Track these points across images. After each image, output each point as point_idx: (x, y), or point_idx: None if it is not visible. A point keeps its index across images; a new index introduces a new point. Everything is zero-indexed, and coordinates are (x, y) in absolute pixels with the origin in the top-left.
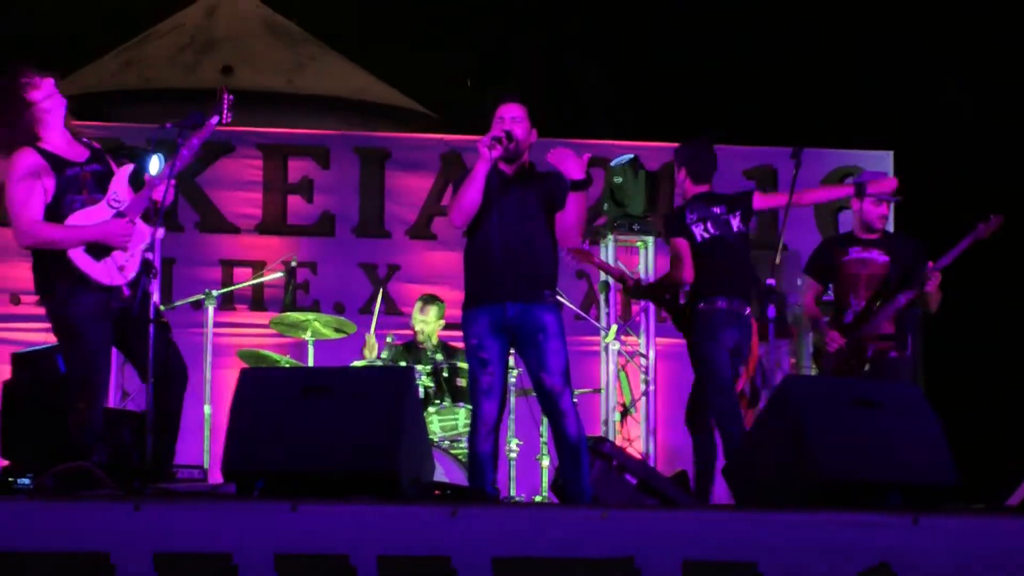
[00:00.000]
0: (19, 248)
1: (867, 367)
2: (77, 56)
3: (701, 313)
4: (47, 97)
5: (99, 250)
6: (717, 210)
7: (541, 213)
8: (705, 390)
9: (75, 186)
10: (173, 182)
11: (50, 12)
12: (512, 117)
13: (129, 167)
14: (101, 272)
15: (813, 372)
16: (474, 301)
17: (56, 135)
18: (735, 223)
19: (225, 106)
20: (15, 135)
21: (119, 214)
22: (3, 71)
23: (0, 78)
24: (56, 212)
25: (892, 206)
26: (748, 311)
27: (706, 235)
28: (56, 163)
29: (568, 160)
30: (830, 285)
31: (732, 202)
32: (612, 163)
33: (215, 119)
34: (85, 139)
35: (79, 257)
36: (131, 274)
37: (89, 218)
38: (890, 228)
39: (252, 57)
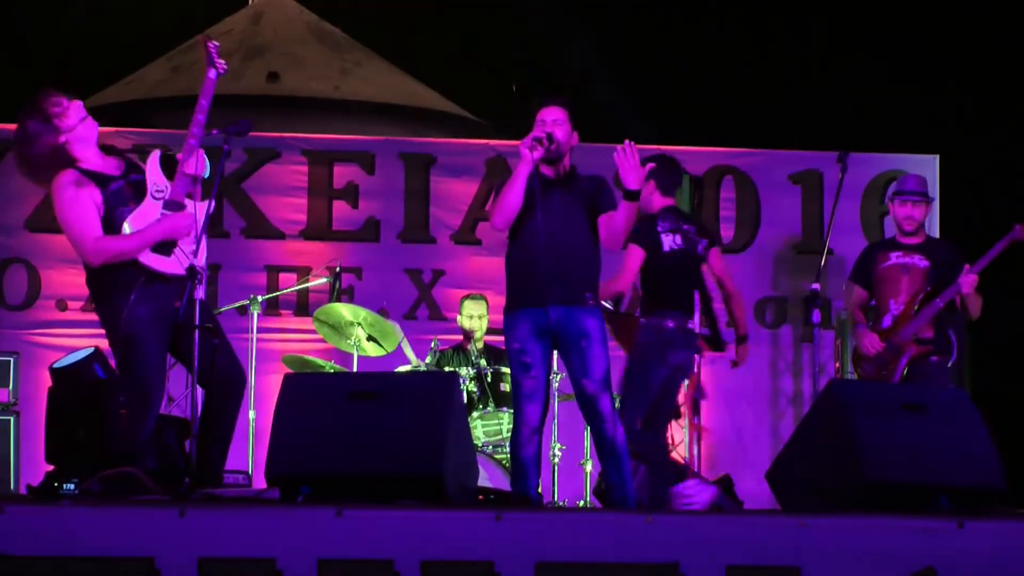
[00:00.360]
0: (76, 258)
1: (906, 371)
2: (125, 63)
3: (650, 328)
4: (81, 120)
5: (164, 246)
6: (687, 227)
7: (584, 216)
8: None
9: (121, 198)
10: (202, 152)
11: (98, 20)
12: (553, 119)
13: (156, 153)
14: (174, 265)
15: (855, 377)
16: (516, 304)
17: (92, 154)
18: (700, 247)
19: (214, 56)
20: (54, 161)
21: (167, 203)
22: (31, 99)
23: (29, 106)
24: (110, 225)
25: (927, 208)
26: (691, 325)
27: (674, 246)
28: (99, 179)
29: (630, 165)
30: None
31: (703, 229)
32: None
33: (213, 73)
34: (117, 152)
35: (148, 258)
36: (203, 258)
37: (141, 220)
38: (935, 234)
39: (298, 63)
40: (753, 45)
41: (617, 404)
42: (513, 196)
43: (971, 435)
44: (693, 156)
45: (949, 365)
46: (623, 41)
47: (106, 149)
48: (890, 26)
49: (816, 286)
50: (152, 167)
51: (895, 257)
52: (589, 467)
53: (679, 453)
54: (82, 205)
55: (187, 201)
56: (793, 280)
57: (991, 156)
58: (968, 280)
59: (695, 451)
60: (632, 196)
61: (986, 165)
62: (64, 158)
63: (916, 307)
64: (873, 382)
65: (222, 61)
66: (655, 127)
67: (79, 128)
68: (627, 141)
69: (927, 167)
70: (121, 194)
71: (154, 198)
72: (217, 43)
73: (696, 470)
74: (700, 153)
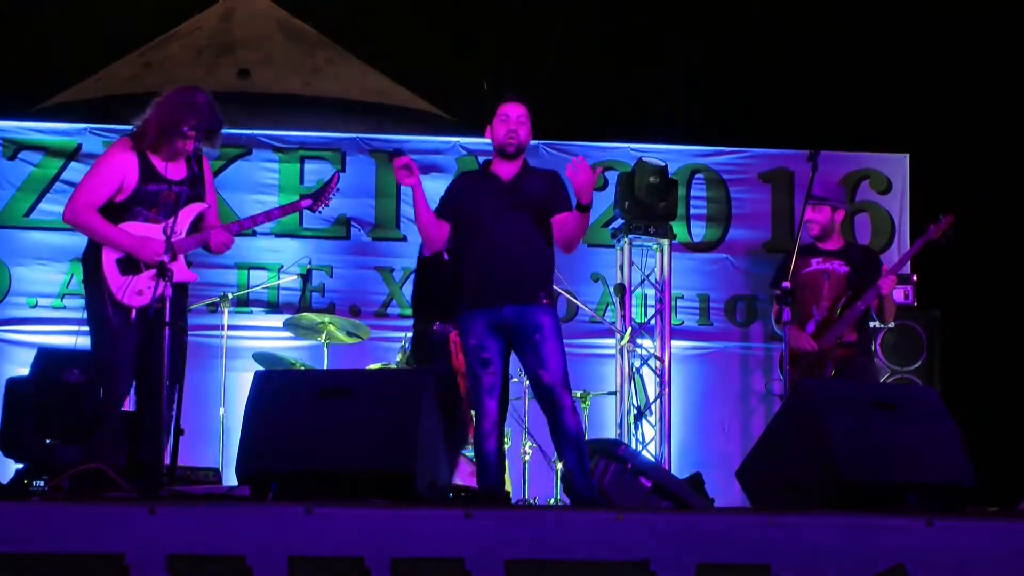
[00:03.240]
0: (47, 255)
1: (833, 373)
2: (97, 58)
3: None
4: (188, 142)
5: (128, 266)
6: None
7: (538, 215)
8: None
9: (149, 201)
10: (232, 241)
11: (71, 15)
12: (518, 117)
13: (200, 207)
14: (119, 287)
15: (780, 380)
16: (471, 304)
17: (167, 154)
18: None
19: (329, 195)
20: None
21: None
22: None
23: (199, 107)
24: (120, 213)
25: (833, 213)
26: None
27: None
28: (146, 173)
29: (583, 180)
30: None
31: None
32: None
33: (308, 203)
34: (195, 160)
35: (108, 265)
36: (147, 301)
37: (141, 231)
38: (906, 234)
39: (269, 60)
40: (722, 42)
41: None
42: (423, 222)
43: (942, 433)
44: (665, 154)
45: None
46: (595, 40)
47: (190, 158)
48: (860, 25)
49: (787, 284)
50: (187, 214)
51: (816, 263)
52: (560, 465)
53: (650, 451)
54: (108, 173)
55: (181, 259)
56: (764, 278)
57: (961, 154)
58: (887, 281)
59: (665, 449)
60: (586, 208)
61: (956, 163)
62: (152, 134)
63: (839, 311)
64: (845, 381)
65: (327, 203)
66: (626, 125)
67: (188, 143)
68: (578, 157)
69: (898, 165)
70: (152, 197)
71: (164, 233)
72: (339, 189)
73: (667, 468)
74: (672, 151)
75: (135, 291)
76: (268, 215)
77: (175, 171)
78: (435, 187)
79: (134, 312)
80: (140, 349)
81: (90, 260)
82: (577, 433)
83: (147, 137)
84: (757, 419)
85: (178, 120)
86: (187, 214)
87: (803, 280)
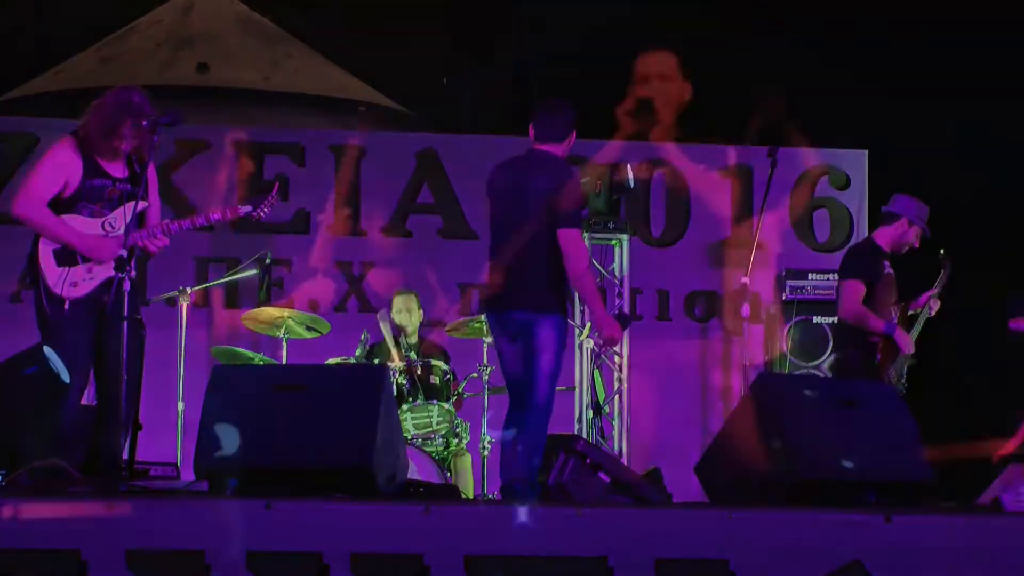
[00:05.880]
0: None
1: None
2: (56, 53)
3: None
4: (126, 143)
5: (64, 257)
6: None
7: None
8: None
9: (94, 196)
10: (167, 242)
11: (29, 9)
12: None
13: (141, 206)
14: (55, 278)
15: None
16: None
17: (108, 154)
18: None
19: (270, 202)
20: (104, 121)
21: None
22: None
23: (135, 105)
24: (64, 207)
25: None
26: None
27: None
28: (90, 169)
29: None
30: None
31: None
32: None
33: (248, 208)
34: (137, 160)
35: (45, 256)
36: (82, 293)
37: (81, 227)
38: (865, 231)
39: (228, 54)
40: (684, 40)
41: None
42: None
43: (900, 430)
44: (624, 150)
45: None
46: (554, 34)
47: (131, 159)
48: (822, 21)
49: (746, 280)
50: (125, 210)
51: (887, 266)
52: None
53: (609, 447)
54: (53, 169)
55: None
56: (723, 274)
57: (920, 151)
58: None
59: (624, 445)
60: None
61: (915, 160)
62: (92, 137)
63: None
64: (803, 377)
65: (267, 211)
66: (587, 120)
67: (133, 139)
68: None
69: (856, 162)
70: (96, 192)
71: (103, 228)
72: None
73: (627, 463)
74: (631, 147)
75: (70, 283)
76: (207, 217)
77: (118, 169)
78: (393, 183)
79: (67, 303)
80: (96, 343)
81: (32, 254)
82: None
83: (88, 140)
84: (715, 415)
85: (116, 123)
86: (125, 212)
87: (886, 280)
